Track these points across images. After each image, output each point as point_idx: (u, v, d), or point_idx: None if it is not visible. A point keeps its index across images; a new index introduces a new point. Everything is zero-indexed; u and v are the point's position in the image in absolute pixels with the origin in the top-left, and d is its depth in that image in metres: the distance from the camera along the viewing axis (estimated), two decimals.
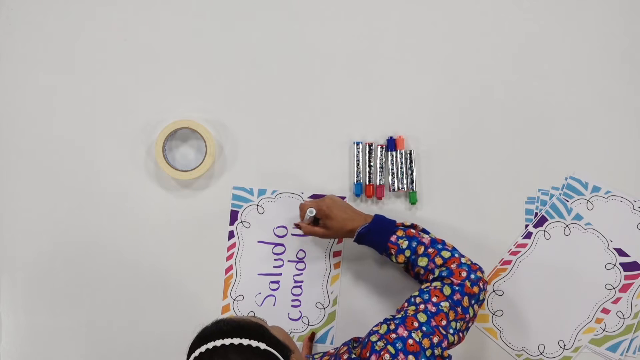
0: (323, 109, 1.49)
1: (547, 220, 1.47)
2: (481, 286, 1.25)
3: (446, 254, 1.26)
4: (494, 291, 1.47)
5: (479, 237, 1.47)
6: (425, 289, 1.22)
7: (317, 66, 1.49)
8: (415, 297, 1.21)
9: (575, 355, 1.45)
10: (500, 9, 1.49)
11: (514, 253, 1.47)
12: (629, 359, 1.45)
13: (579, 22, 1.49)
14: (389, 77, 1.49)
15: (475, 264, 1.27)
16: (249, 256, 1.48)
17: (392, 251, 1.29)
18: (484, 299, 1.27)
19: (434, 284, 1.23)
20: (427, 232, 1.33)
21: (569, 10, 1.49)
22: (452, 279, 1.23)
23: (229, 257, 1.48)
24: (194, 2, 1.49)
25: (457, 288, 1.21)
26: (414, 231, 1.32)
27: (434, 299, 1.20)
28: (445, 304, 1.19)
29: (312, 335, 1.46)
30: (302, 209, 1.37)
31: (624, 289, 1.45)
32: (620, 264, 1.45)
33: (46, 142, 1.48)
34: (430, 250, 1.27)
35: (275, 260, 1.49)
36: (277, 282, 1.49)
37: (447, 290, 1.21)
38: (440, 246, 1.28)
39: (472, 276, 1.24)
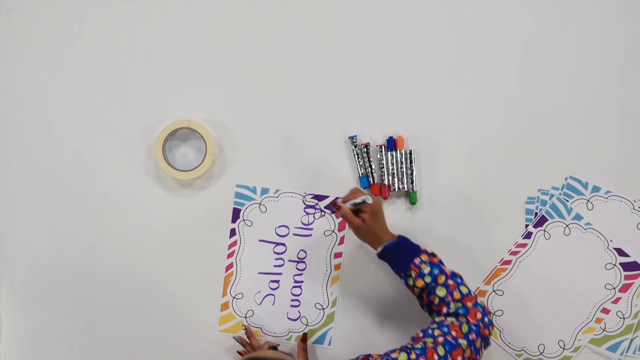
0: (323, 109, 1.49)
1: (547, 220, 1.47)
2: (491, 330, 1.25)
3: (464, 290, 1.26)
4: (494, 291, 1.47)
5: (479, 237, 1.47)
6: (443, 323, 1.22)
7: (318, 66, 1.49)
8: (433, 329, 1.21)
9: (575, 355, 1.45)
10: (501, 9, 1.49)
11: (514, 253, 1.47)
12: (629, 359, 1.45)
13: (579, 22, 1.49)
14: (389, 77, 1.49)
15: (487, 306, 1.27)
16: (250, 254, 1.49)
17: (413, 273, 1.28)
18: (490, 344, 1.27)
19: (450, 319, 1.23)
20: (442, 264, 1.33)
21: (569, 10, 1.49)
22: (468, 317, 1.23)
23: (230, 255, 1.48)
24: (194, 2, 1.49)
25: (473, 328, 1.22)
26: (436, 259, 1.31)
27: (454, 333, 1.20)
28: (463, 342, 1.19)
29: (305, 336, 1.45)
30: (356, 192, 1.33)
31: (624, 289, 1.45)
32: (620, 264, 1.45)
33: (46, 142, 1.48)
34: (450, 282, 1.27)
35: (275, 259, 1.49)
36: (277, 281, 1.49)
37: (465, 328, 1.21)
38: (459, 280, 1.28)
39: (486, 319, 1.24)
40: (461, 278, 1.29)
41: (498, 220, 1.48)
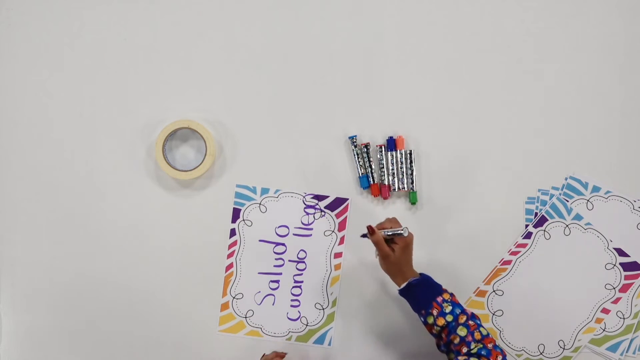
0: (324, 109, 1.49)
1: (547, 220, 1.47)
2: None
3: (484, 332, 1.26)
4: (494, 291, 1.47)
5: (479, 237, 1.47)
6: None
7: (318, 66, 1.49)
8: None
9: (575, 355, 1.45)
10: (501, 9, 1.49)
11: (514, 253, 1.47)
12: (629, 359, 1.45)
13: (579, 22, 1.49)
14: (390, 77, 1.49)
15: (504, 350, 1.27)
16: (250, 255, 1.48)
17: (434, 312, 1.28)
18: None
19: (473, 359, 1.22)
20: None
21: (569, 10, 1.49)
22: (490, 359, 1.22)
23: (230, 255, 1.48)
24: (194, 2, 1.49)
25: None
26: (456, 299, 1.31)
27: None
28: None
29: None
30: (393, 222, 1.33)
31: (624, 289, 1.45)
32: (620, 264, 1.45)
33: (46, 142, 1.48)
34: (471, 322, 1.27)
35: (275, 259, 1.49)
36: (277, 281, 1.49)
37: None
38: (479, 321, 1.28)
39: None
40: (480, 319, 1.29)
41: (498, 220, 1.48)
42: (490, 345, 1.24)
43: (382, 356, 1.48)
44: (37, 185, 1.48)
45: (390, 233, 1.29)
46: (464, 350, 1.24)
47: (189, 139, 1.49)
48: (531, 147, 1.48)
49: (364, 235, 1.33)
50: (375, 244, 1.30)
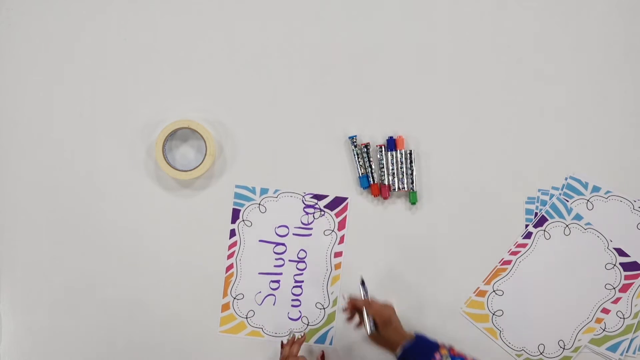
0: (324, 109, 1.49)
1: (547, 220, 1.47)
2: None
3: None
4: (494, 291, 1.47)
5: (479, 237, 1.47)
6: None
7: (318, 66, 1.49)
8: None
9: (575, 355, 1.45)
10: (501, 9, 1.49)
11: (514, 253, 1.47)
12: (629, 359, 1.45)
13: (579, 22, 1.49)
14: (389, 77, 1.49)
15: None
16: (250, 255, 1.48)
17: None
18: None
19: None
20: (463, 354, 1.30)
21: (569, 10, 1.49)
22: None
23: (230, 256, 1.48)
24: (193, 2, 1.49)
25: None
26: (455, 351, 1.28)
27: None
28: None
29: (323, 355, 1.46)
30: (367, 304, 1.33)
31: (624, 289, 1.45)
32: (620, 264, 1.45)
33: (46, 142, 1.48)
34: None
35: (276, 259, 1.49)
36: (278, 281, 1.49)
37: None
38: None
39: None
40: None
41: (498, 220, 1.47)
42: None
43: (383, 355, 1.48)
44: (37, 185, 1.48)
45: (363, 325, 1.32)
46: None
47: (189, 139, 1.49)
48: (531, 147, 1.48)
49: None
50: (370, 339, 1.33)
